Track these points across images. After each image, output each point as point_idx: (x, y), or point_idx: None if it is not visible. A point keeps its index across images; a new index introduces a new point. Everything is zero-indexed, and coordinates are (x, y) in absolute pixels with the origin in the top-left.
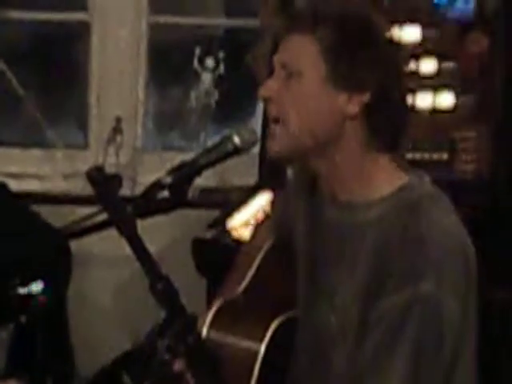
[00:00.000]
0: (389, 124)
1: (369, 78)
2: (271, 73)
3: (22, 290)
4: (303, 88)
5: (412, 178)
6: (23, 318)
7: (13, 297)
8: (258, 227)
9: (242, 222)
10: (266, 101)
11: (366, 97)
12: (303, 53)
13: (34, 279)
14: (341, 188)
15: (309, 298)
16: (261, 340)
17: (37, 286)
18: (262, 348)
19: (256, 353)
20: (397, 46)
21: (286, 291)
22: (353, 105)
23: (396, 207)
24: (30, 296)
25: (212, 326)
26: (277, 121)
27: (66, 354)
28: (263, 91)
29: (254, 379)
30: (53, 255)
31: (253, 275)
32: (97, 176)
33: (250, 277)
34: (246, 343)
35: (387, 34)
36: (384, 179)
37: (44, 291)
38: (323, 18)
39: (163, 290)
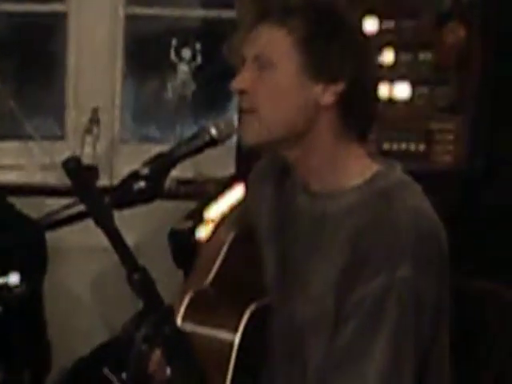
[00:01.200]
0: (361, 113)
1: (343, 67)
2: (242, 64)
3: None
4: (278, 80)
5: (383, 167)
6: (0, 309)
7: None
8: (219, 224)
9: (219, 213)
10: (240, 93)
11: (340, 87)
12: (276, 45)
13: (9, 270)
14: (313, 177)
15: (281, 288)
16: (235, 329)
17: (13, 277)
18: (237, 337)
19: (231, 343)
20: (366, 35)
21: (255, 280)
22: (327, 95)
23: (368, 195)
24: (6, 287)
25: (185, 317)
26: (250, 111)
27: (42, 346)
28: (237, 84)
29: (231, 369)
30: (28, 246)
31: (219, 266)
32: (73, 166)
33: (216, 268)
34: (221, 333)
35: (357, 24)
36: (356, 168)
37: (20, 282)
38: (294, 8)
39: (140, 280)
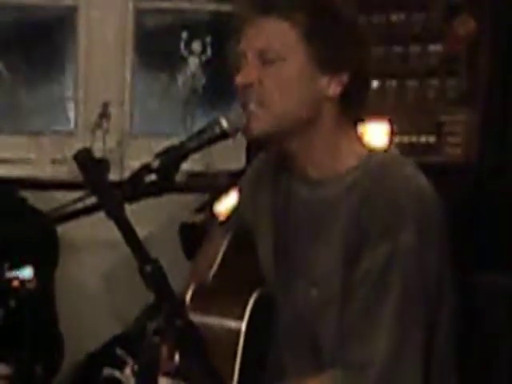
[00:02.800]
0: (360, 102)
1: (347, 59)
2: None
3: (11, 275)
4: (286, 73)
5: (373, 149)
6: (13, 303)
7: (2, 281)
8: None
9: (230, 206)
10: (246, 87)
11: (345, 77)
12: (282, 38)
13: (22, 264)
14: (312, 165)
15: (283, 278)
16: (241, 317)
17: (25, 271)
18: (244, 325)
19: (238, 331)
20: (363, 28)
21: (256, 273)
22: (333, 86)
23: (364, 171)
24: (18, 281)
25: (189, 308)
26: (256, 104)
27: (54, 339)
28: (242, 78)
29: (239, 357)
30: (40, 240)
31: (219, 263)
32: (84, 159)
33: (217, 264)
34: (227, 322)
35: (355, 16)
36: (352, 151)
37: (32, 276)
38: (296, 2)
39: (152, 272)
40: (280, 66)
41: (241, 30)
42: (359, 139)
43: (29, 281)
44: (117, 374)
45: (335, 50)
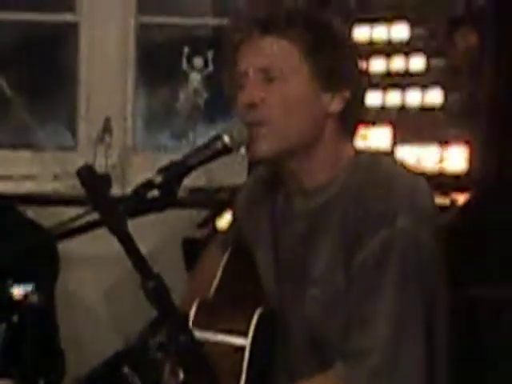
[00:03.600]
0: (358, 115)
1: (348, 75)
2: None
3: (13, 290)
4: (289, 91)
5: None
6: (15, 318)
7: (4, 297)
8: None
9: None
10: (249, 107)
11: (346, 94)
12: (284, 56)
13: (23, 280)
14: (309, 178)
15: (286, 289)
16: (245, 333)
17: (27, 287)
18: (248, 341)
19: (243, 347)
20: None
21: (257, 288)
22: (335, 103)
23: (357, 168)
24: (21, 296)
25: (193, 324)
26: (261, 124)
27: (56, 354)
28: (246, 98)
29: (244, 373)
30: (40, 254)
31: (220, 278)
32: (87, 174)
33: (218, 280)
34: (231, 338)
35: (348, 35)
36: (345, 155)
37: (34, 291)
38: (295, 21)
39: (155, 288)
40: (283, 85)
41: (237, 50)
42: (353, 144)
43: (31, 296)
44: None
45: (337, 66)
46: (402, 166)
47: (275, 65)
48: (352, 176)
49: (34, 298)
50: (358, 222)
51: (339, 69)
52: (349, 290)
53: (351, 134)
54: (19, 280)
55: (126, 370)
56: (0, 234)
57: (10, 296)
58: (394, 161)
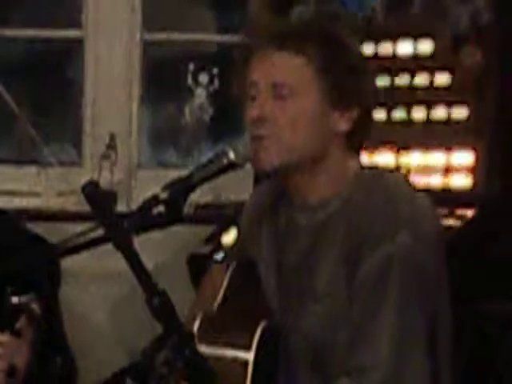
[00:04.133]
0: (366, 133)
1: (358, 95)
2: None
3: (15, 300)
4: (300, 108)
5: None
6: (18, 325)
7: (7, 306)
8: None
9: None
10: (257, 121)
11: (355, 114)
12: (297, 73)
13: (25, 290)
14: (313, 193)
15: (289, 304)
16: (249, 347)
17: (29, 297)
18: (251, 355)
19: (246, 361)
20: (367, 61)
21: (261, 303)
22: (343, 122)
23: (360, 183)
24: (23, 305)
25: (197, 339)
26: (268, 137)
27: (66, 362)
28: (256, 112)
29: None
30: (42, 266)
31: (224, 293)
32: (92, 191)
33: (221, 295)
34: (235, 352)
35: (358, 48)
36: (350, 170)
37: (34, 300)
38: (310, 38)
39: (160, 304)
40: (294, 101)
41: (250, 60)
42: (358, 160)
43: (32, 304)
44: None
45: (349, 86)
46: (407, 182)
47: (287, 81)
48: (355, 192)
49: (35, 307)
50: (360, 239)
51: (350, 88)
52: (351, 305)
53: (357, 150)
54: (20, 290)
55: (129, 382)
56: (3, 247)
57: (11, 304)
58: (399, 178)
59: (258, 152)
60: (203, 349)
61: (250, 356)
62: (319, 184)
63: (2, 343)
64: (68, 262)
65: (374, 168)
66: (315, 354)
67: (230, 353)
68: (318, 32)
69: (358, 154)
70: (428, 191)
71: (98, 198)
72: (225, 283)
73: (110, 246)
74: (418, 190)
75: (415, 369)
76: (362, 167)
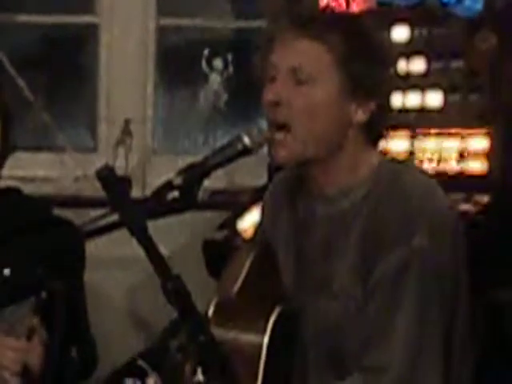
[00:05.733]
0: (384, 125)
1: (376, 87)
2: (273, 75)
3: (41, 272)
4: (316, 96)
5: (386, 157)
6: (44, 294)
7: (33, 276)
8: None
9: (252, 223)
10: (273, 105)
11: (372, 105)
12: (317, 60)
13: (53, 269)
14: (330, 184)
15: (305, 293)
16: (263, 331)
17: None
18: (266, 339)
19: (260, 345)
20: (389, 50)
21: (279, 289)
22: (360, 113)
23: (379, 180)
24: (49, 277)
25: (212, 323)
26: (282, 127)
27: (87, 339)
28: (271, 95)
29: (261, 371)
30: (69, 248)
31: (243, 279)
32: (107, 175)
33: (241, 280)
34: (249, 336)
35: (385, 44)
36: (367, 162)
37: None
38: (334, 26)
39: (175, 289)
40: (311, 88)
41: (270, 45)
42: (377, 150)
43: (57, 282)
44: None
45: (368, 78)
46: (426, 179)
47: (307, 68)
48: (374, 187)
49: (59, 284)
50: (377, 236)
51: (369, 81)
52: (367, 304)
53: (375, 142)
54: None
55: (140, 362)
56: (34, 229)
57: (37, 276)
58: (418, 176)
59: (275, 146)
60: (218, 332)
61: (264, 339)
62: (336, 174)
63: (15, 348)
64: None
65: (394, 162)
66: (326, 345)
67: (244, 336)
68: (342, 20)
69: (376, 145)
70: (443, 176)
71: (113, 182)
72: (245, 269)
73: (124, 231)
74: (433, 177)
75: (430, 370)
76: (382, 162)
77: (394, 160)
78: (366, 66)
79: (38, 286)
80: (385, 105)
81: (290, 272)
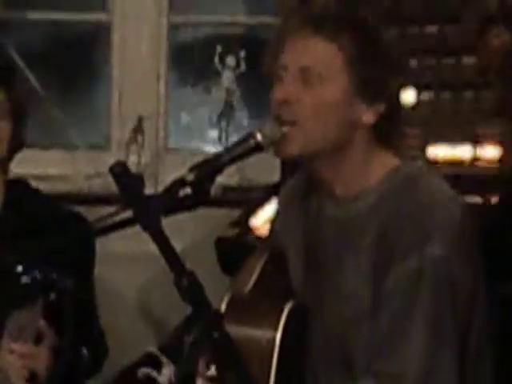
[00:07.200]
0: (395, 129)
1: (386, 89)
2: (282, 73)
3: (50, 272)
4: (326, 95)
5: (402, 160)
6: (53, 296)
7: (42, 276)
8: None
9: (265, 220)
10: (282, 103)
11: (381, 108)
12: (328, 60)
13: (61, 267)
14: (340, 184)
15: (314, 295)
16: (275, 327)
17: (64, 271)
18: (278, 334)
19: (273, 340)
20: (398, 51)
21: (290, 289)
22: (369, 115)
23: (393, 186)
24: (58, 278)
25: (225, 319)
26: (291, 123)
27: (95, 333)
28: (281, 94)
29: (274, 367)
30: (79, 243)
31: (257, 277)
32: (120, 171)
33: (254, 279)
34: (261, 332)
35: (393, 41)
36: (380, 165)
37: (67, 278)
38: (346, 26)
39: (188, 285)
40: (321, 88)
41: (281, 44)
42: (389, 153)
43: (67, 280)
44: (154, 373)
45: (377, 80)
46: (442, 187)
47: (317, 67)
48: (387, 194)
49: (69, 282)
50: (390, 243)
51: (379, 82)
52: (378, 310)
53: (388, 146)
54: (60, 266)
55: (154, 350)
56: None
57: (46, 277)
58: (433, 183)
59: (280, 139)
60: (230, 328)
61: (276, 335)
62: (344, 176)
63: (22, 354)
64: (98, 243)
65: (410, 166)
66: (335, 347)
67: (257, 332)
68: (355, 21)
69: (391, 149)
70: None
71: (126, 178)
72: (257, 271)
73: (138, 228)
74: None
75: (445, 379)
76: (396, 167)
77: (410, 164)
78: (376, 68)
79: (47, 286)
80: (394, 107)
81: (299, 273)
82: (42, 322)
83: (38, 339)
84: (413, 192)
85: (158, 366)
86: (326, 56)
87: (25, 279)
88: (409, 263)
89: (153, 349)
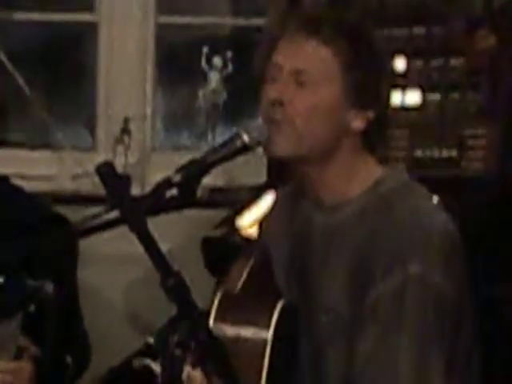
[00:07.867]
0: (382, 135)
1: (377, 97)
2: (275, 74)
3: (31, 282)
4: (318, 99)
5: (387, 171)
6: (32, 308)
7: (22, 286)
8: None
9: (251, 221)
10: (274, 103)
11: (371, 114)
12: (322, 64)
13: (42, 271)
14: (325, 190)
15: (297, 303)
16: (267, 326)
17: (45, 278)
18: (270, 333)
19: (264, 339)
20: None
21: (279, 291)
22: (358, 121)
23: (374, 199)
24: (38, 287)
25: (216, 318)
26: (282, 123)
27: (79, 336)
28: (274, 94)
29: (266, 366)
30: (62, 246)
31: (246, 278)
32: (107, 171)
33: (243, 279)
34: (253, 331)
35: (384, 47)
36: (364, 174)
37: (49, 283)
38: (343, 31)
39: (174, 285)
40: (314, 91)
41: (275, 45)
42: (374, 162)
43: (47, 286)
44: (151, 364)
45: (370, 86)
46: (425, 201)
47: (311, 70)
48: (371, 206)
49: (50, 288)
50: (370, 258)
51: (370, 88)
52: (357, 329)
53: (374, 152)
54: (40, 272)
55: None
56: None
57: (26, 286)
58: (418, 194)
59: (270, 138)
60: (221, 327)
61: (268, 334)
62: (330, 181)
63: (2, 370)
64: (82, 245)
65: (394, 178)
66: (313, 356)
67: (248, 332)
68: (351, 26)
69: (374, 156)
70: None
71: (113, 178)
72: (245, 274)
73: (124, 228)
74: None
75: None
76: (380, 178)
77: (393, 175)
78: (369, 74)
79: (28, 297)
80: (382, 114)
81: (283, 279)
82: (22, 337)
83: (19, 353)
84: (394, 210)
85: (156, 357)
86: (320, 59)
87: (3, 292)
88: (391, 282)
89: (152, 340)
